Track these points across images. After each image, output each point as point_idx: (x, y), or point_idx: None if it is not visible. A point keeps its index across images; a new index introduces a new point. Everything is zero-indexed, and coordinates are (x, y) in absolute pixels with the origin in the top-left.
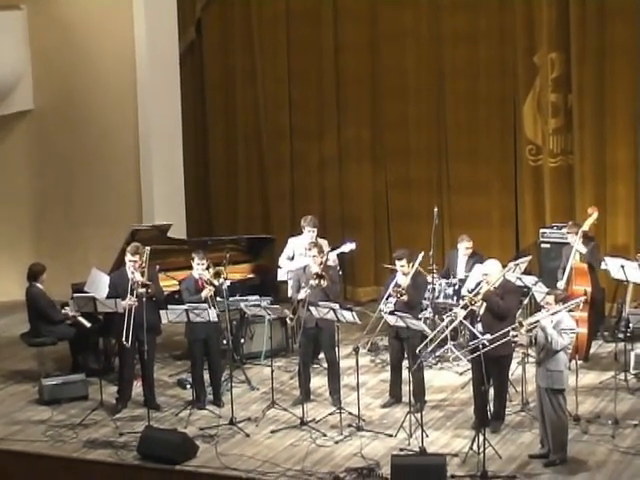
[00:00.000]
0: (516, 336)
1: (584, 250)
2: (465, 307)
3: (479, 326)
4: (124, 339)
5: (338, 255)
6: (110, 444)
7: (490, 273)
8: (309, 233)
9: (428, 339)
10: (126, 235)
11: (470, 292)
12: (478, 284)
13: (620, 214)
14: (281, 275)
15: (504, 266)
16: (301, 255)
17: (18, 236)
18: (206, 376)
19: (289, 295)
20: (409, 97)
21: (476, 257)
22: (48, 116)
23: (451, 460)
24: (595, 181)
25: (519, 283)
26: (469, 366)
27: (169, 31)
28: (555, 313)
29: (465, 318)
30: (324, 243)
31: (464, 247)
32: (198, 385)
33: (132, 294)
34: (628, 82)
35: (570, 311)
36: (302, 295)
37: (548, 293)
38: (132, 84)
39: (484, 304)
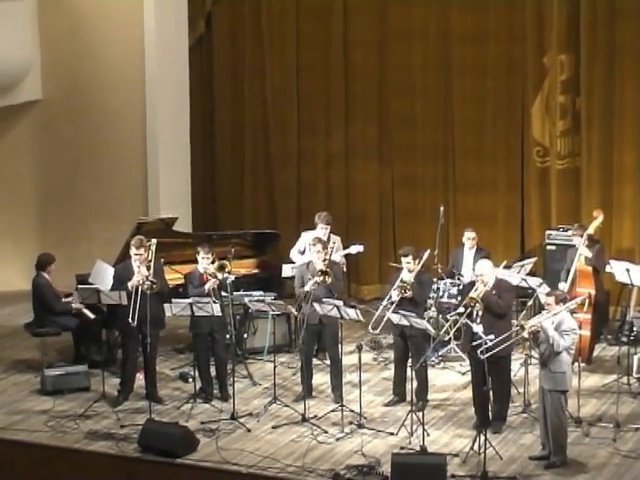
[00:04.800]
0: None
1: (589, 255)
2: (466, 307)
3: (479, 327)
4: (130, 318)
5: (344, 256)
6: (111, 436)
7: (484, 273)
8: (322, 230)
9: (437, 341)
10: (132, 228)
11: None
12: (473, 284)
13: (626, 217)
14: (286, 271)
15: (509, 267)
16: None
17: (23, 226)
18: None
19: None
20: (417, 95)
21: (483, 252)
22: (56, 107)
23: (452, 460)
24: (602, 184)
25: (524, 284)
26: None
27: (179, 24)
28: (556, 314)
29: (467, 317)
30: (337, 240)
31: (466, 237)
32: (205, 379)
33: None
34: (637, 85)
35: (573, 313)
36: (308, 287)
37: (548, 294)
38: (141, 76)
39: (481, 305)
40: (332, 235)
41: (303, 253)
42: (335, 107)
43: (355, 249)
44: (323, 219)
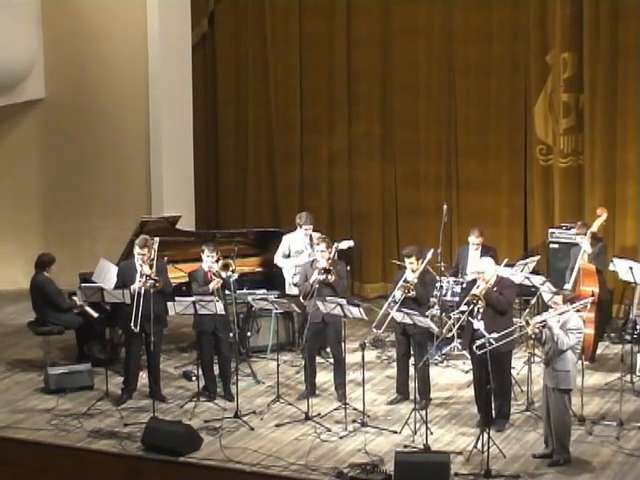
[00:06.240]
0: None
1: (590, 250)
2: (468, 304)
3: (480, 323)
4: (132, 324)
5: (339, 252)
6: (114, 434)
7: (486, 271)
8: (306, 231)
9: (440, 339)
10: (135, 226)
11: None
12: (474, 282)
13: (629, 215)
14: (284, 271)
15: (510, 265)
16: (297, 252)
17: (26, 225)
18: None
19: (287, 292)
20: (420, 93)
21: (490, 252)
22: (59, 105)
23: (455, 458)
24: (605, 182)
25: (527, 283)
26: None
27: (182, 22)
28: (563, 313)
29: (468, 315)
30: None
31: (473, 243)
32: (208, 377)
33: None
34: None
35: (577, 312)
36: (313, 279)
37: (556, 293)
38: (144, 75)
39: (483, 302)
40: (314, 233)
41: (288, 256)
42: (338, 105)
43: (346, 244)
44: (306, 221)
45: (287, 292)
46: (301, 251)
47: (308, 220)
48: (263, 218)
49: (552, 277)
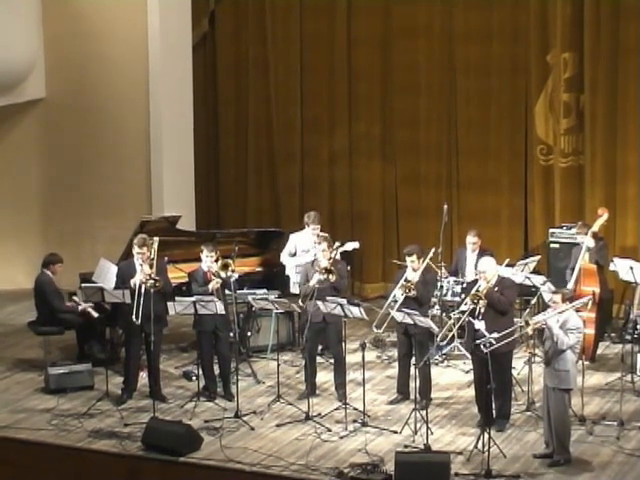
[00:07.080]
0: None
1: (592, 244)
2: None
3: (481, 324)
4: (134, 316)
5: (342, 253)
6: (115, 434)
7: (487, 270)
8: (313, 231)
9: (440, 339)
10: (135, 226)
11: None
12: (475, 282)
13: (630, 215)
14: (289, 270)
15: (511, 265)
16: (304, 251)
17: (26, 225)
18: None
19: (291, 290)
20: (420, 93)
21: (486, 254)
22: (60, 105)
23: (455, 458)
24: (605, 182)
25: (527, 283)
26: None
27: (182, 22)
28: (562, 312)
29: (469, 315)
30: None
31: (470, 242)
32: (208, 377)
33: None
34: None
35: (577, 311)
36: (313, 282)
37: (555, 292)
38: (144, 75)
39: (485, 302)
40: (321, 233)
41: (294, 255)
42: (339, 105)
43: (351, 245)
44: (314, 220)
45: (291, 291)
46: (307, 250)
47: (316, 220)
48: (263, 218)
49: (553, 277)
